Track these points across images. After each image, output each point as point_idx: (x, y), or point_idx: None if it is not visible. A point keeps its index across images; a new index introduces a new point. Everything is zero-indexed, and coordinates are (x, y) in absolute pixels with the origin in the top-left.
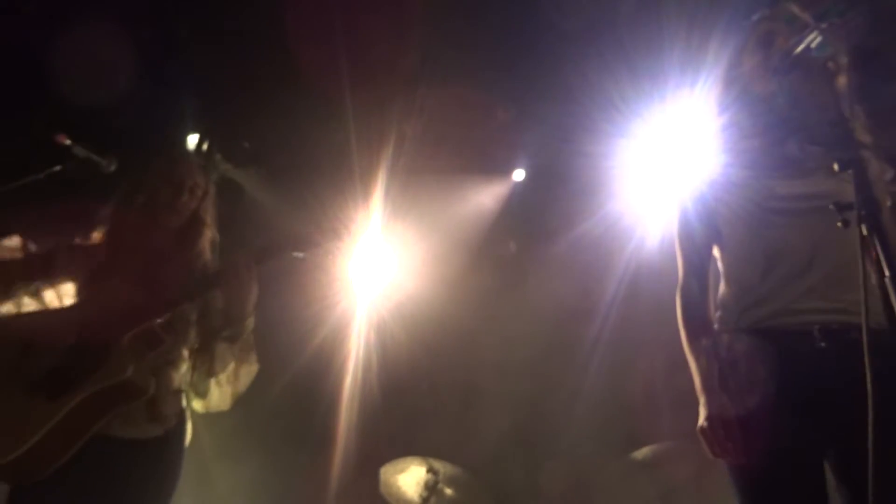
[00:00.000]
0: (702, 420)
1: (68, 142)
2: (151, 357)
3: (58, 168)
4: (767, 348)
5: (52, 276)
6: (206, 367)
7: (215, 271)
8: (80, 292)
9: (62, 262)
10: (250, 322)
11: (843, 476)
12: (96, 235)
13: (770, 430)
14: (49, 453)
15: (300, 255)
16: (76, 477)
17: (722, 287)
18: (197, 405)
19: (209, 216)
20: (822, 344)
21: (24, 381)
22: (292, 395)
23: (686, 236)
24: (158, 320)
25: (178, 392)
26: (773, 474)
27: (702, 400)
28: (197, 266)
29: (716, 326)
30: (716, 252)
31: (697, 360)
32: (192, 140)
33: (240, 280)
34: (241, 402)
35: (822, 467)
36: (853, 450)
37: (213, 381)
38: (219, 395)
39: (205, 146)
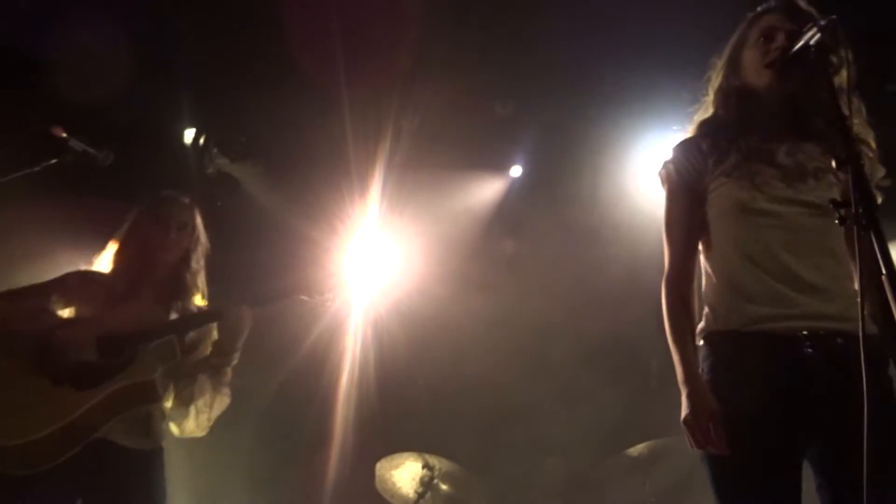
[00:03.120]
0: (685, 411)
1: (65, 135)
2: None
3: (54, 161)
4: (754, 351)
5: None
6: (186, 393)
7: (218, 308)
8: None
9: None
10: (235, 357)
11: (827, 477)
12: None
13: (755, 431)
14: (57, 445)
15: (305, 298)
16: (75, 474)
17: (706, 284)
18: (174, 429)
19: (199, 251)
20: (809, 349)
21: (50, 373)
22: (289, 391)
23: (674, 228)
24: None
25: (189, 419)
26: (755, 474)
27: (684, 391)
28: (188, 291)
29: (702, 324)
30: (701, 248)
31: (681, 350)
32: (189, 134)
33: (239, 320)
34: (239, 397)
35: (801, 469)
36: (837, 452)
37: (191, 409)
38: (195, 422)
39: (201, 140)
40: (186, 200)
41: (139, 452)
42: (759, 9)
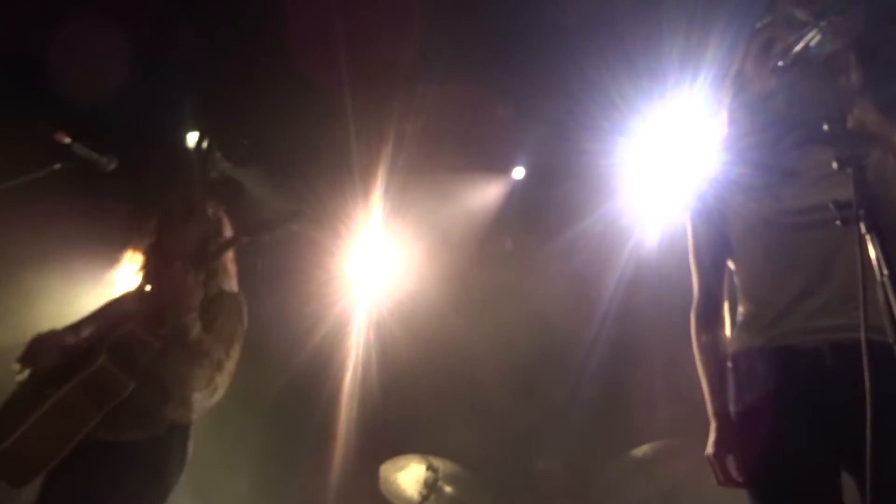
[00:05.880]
0: (710, 447)
1: (68, 140)
2: (144, 361)
3: (57, 166)
4: (782, 367)
5: None
6: (167, 377)
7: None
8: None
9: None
10: (190, 322)
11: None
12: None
13: (785, 447)
14: (40, 454)
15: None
16: (64, 476)
17: (738, 303)
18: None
19: (226, 262)
20: (834, 361)
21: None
22: (292, 393)
23: (699, 253)
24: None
25: (177, 401)
26: (790, 490)
27: (712, 424)
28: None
29: (734, 343)
30: (731, 265)
31: (709, 383)
32: (192, 138)
33: (172, 282)
34: (241, 398)
35: (839, 484)
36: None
37: (170, 392)
38: (180, 404)
39: (204, 144)
40: (191, 189)
41: (126, 442)
42: (757, 24)
